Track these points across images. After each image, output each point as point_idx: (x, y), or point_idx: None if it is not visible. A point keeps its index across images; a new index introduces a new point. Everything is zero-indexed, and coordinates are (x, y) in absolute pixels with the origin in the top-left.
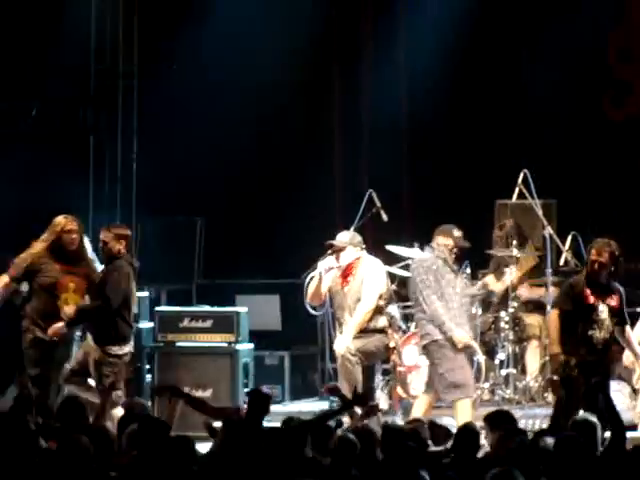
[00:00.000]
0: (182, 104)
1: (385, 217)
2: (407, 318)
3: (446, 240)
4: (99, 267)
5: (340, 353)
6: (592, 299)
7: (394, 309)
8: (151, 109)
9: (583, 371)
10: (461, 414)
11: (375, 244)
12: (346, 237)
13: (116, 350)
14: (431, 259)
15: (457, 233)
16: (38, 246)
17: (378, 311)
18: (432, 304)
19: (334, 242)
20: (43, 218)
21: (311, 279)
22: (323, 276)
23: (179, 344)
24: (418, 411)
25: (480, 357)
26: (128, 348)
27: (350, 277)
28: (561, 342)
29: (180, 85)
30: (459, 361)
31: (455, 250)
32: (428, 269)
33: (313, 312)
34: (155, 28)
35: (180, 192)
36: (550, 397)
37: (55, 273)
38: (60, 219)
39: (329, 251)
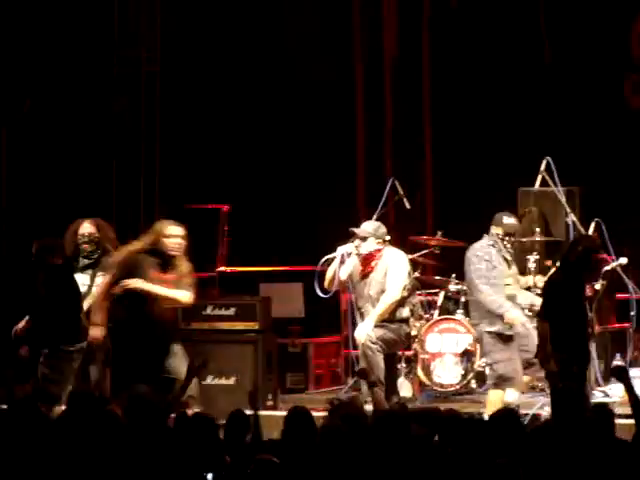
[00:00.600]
0: (206, 90)
1: (408, 205)
2: (430, 305)
3: (496, 229)
4: None
5: (361, 341)
6: None
7: (416, 297)
8: (174, 95)
9: None
10: (492, 404)
11: (397, 232)
12: (370, 227)
13: None
14: (484, 247)
15: (507, 220)
16: (135, 246)
17: (401, 302)
18: (484, 292)
19: (357, 230)
20: (67, 204)
21: (326, 261)
22: (343, 260)
23: (202, 332)
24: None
25: None
26: None
27: (371, 268)
28: None
29: (204, 71)
30: (509, 353)
31: (507, 238)
32: (481, 258)
33: (322, 295)
34: (177, 13)
35: (204, 179)
36: None
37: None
38: (165, 223)
39: (351, 239)
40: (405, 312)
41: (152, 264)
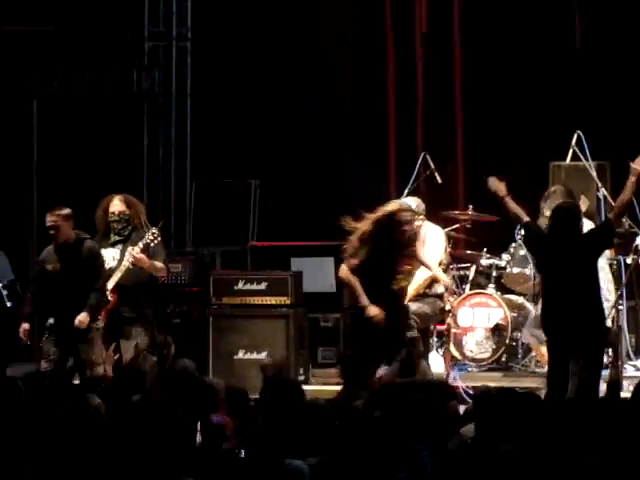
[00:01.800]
0: (236, 66)
1: (439, 179)
2: (462, 280)
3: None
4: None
5: None
6: None
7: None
8: (205, 71)
9: None
10: None
11: (429, 206)
12: (413, 204)
13: None
14: None
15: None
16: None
17: (436, 278)
18: None
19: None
20: (98, 178)
21: None
22: None
23: (234, 307)
24: None
25: None
26: None
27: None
28: None
29: (234, 47)
30: None
31: None
32: None
33: None
34: None
35: (234, 154)
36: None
37: None
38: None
39: None
40: (440, 288)
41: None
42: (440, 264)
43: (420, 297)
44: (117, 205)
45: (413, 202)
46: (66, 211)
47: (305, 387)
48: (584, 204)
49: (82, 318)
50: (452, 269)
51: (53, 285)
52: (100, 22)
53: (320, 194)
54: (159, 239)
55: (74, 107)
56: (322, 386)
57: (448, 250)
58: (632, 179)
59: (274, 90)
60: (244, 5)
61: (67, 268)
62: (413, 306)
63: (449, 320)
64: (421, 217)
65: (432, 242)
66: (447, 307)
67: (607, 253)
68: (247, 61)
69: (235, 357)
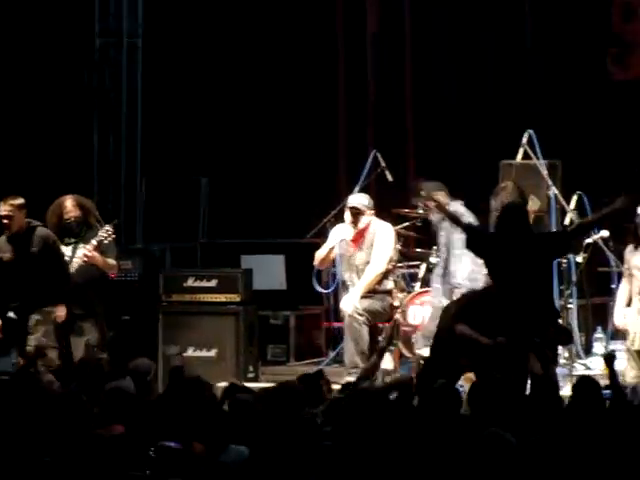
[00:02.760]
0: (187, 63)
1: (390, 177)
2: (412, 278)
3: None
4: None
5: (348, 312)
6: None
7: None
8: (156, 68)
9: None
10: None
11: (379, 204)
12: (365, 200)
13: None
14: None
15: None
16: None
17: (386, 274)
18: None
19: (355, 204)
20: (48, 178)
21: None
22: (336, 245)
23: (184, 304)
24: None
25: None
26: None
27: (360, 240)
28: None
29: (185, 43)
30: None
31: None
32: None
33: (321, 290)
34: None
35: (185, 151)
36: None
37: None
38: None
39: (349, 215)
40: (390, 284)
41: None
42: (390, 261)
43: (371, 294)
44: (71, 210)
45: (365, 199)
46: (20, 201)
47: (255, 384)
48: (535, 204)
49: (60, 312)
50: (402, 267)
51: (8, 275)
52: (50, 19)
53: (270, 192)
54: (113, 236)
55: (24, 104)
56: (271, 383)
57: (398, 248)
58: (614, 207)
59: (225, 87)
60: (195, 1)
61: (21, 257)
62: (364, 303)
63: (397, 316)
64: (370, 213)
65: (382, 239)
66: (396, 303)
67: None
68: (198, 57)
69: (184, 354)
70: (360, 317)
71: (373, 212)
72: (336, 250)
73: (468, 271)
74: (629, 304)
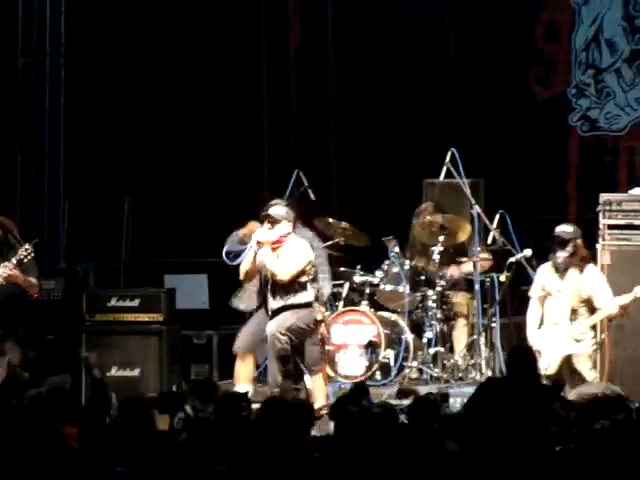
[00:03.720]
0: (109, 82)
1: (313, 196)
2: (335, 297)
3: None
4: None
5: (270, 332)
6: None
7: (326, 285)
8: (78, 88)
9: None
10: None
11: (303, 223)
12: (282, 211)
13: None
14: None
15: None
16: None
17: (303, 286)
18: None
19: (272, 214)
20: None
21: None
22: (256, 250)
23: (107, 323)
24: None
25: (408, 336)
26: None
27: (278, 252)
28: None
29: (107, 63)
30: None
31: None
32: None
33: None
34: (83, 3)
35: (107, 171)
36: (477, 376)
37: None
38: None
39: (266, 222)
40: (307, 296)
41: None
42: (304, 273)
43: (294, 309)
44: None
45: (283, 210)
46: None
47: None
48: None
49: None
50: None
51: None
52: None
53: (193, 211)
54: (32, 255)
55: None
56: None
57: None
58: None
59: (147, 106)
60: (117, 21)
61: None
62: (287, 322)
63: (322, 330)
64: (288, 225)
65: (294, 251)
66: (319, 317)
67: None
68: (120, 76)
69: (108, 374)
70: (282, 337)
71: (291, 224)
72: (258, 257)
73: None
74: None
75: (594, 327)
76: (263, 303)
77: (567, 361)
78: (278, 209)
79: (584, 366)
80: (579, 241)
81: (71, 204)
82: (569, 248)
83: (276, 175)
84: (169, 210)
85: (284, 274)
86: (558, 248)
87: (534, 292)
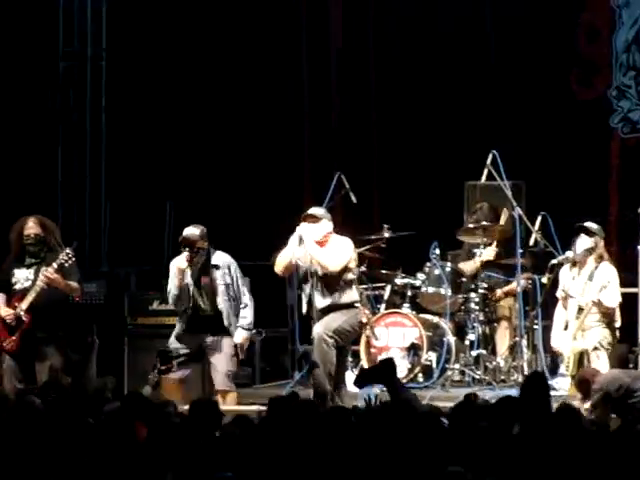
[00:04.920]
0: (151, 85)
1: (354, 199)
2: (377, 299)
3: None
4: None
5: (317, 333)
6: None
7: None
8: (120, 90)
9: None
10: None
11: (344, 226)
12: (321, 211)
13: None
14: None
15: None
16: None
17: (349, 285)
18: None
19: (313, 212)
20: (12, 200)
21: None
22: (298, 244)
23: (149, 327)
24: None
25: (450, 338)
26: None
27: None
28: None
29: (149, 66)
30: None
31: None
32: None
33: None
34: (123, 8)
35: (149, 175)
36: (519, 378)
37: None
38: None
39: (307, 221)
40: (353, 295)
41: None
42: (350, 270)
43: (340, 310)
44: (32, 227)
45: (322, 210)
46: None
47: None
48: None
49: None
50: (367, 288)
51: None
52: (15, 41)
53: (235, 215)
54: (73, 259)
55: None
56: (237, 406)
57: (362, 269)
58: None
59: (190, 109)
60: (158, 23)
61: None
62: (334, 324)
63: (367, 333)
64: (328, 223)
65: (339, 247)
66: (364, 320)
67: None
68: (162, 79)
69: (150, 376)
70: (329, 339)
71: (331, 223)
72: (296, 254)
73: None
74: (566, 328)
75: (607, 322)
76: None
77: (583, 358)
78: (318, 209)
79: (594, 363)
80: (601, 241)
81: (113, 207)
82: (591, 242)
83: (317, 177)
84: (211, 213)
85: (335, 265)
86: (579, 239)
87: (558, 294)
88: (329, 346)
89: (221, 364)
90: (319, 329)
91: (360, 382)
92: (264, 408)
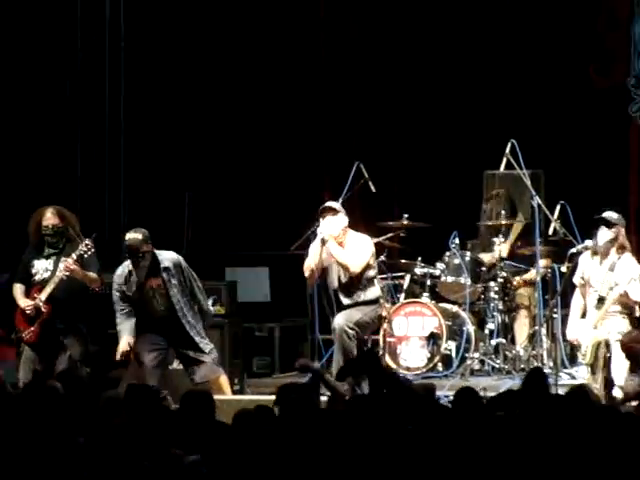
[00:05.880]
0: (170, 77)
1: (373, 188)
2: (397, 289)
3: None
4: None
5: (339, 324)
6: None
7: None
8: (139, 82)
9: None
10: None
11: (363, 215)
12: (337, 204)
13: None
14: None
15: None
16: None
17: (371, 282)
18: None
19: (331, 205)
20: (31, 190)
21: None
22: (320, 245)
23: None
24: None
25: (470, 327)
26: None
27: (343, 244)
28: None
29: (168, 57)
30: None
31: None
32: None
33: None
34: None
35: (168, 166)
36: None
37: None
38: None
39: (327, 215)
40: (375, 292)
41: None
42: (371, 267)
43: (360, 305)
44: (50, 218)
45: (337, 203)
46: None
47: (239, 397)
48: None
49: None
50: (387, 278)
51: None
52: (34, 31)
53: (255, 204)
54: (92, 250)
55: (7, 117)
56: (257, 395)
57: (381, 259)
58: None
59: (209, 100)
60: (178, 14)
61: None
62: (355, 316)
63: (385, 327)
64: (346, 217)
65: (359, 244)
66: (384, 314)
67: None
68: (182, 72)
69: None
70: (350, 331)
71: (346, 218)
72: (323, 254)
73: None
74: (584, 315)
75: (628, 313)
76: (330, 304)
77: (600, 348)
78: (333, 202)
79: (615, 352)
80: (622, 229)
81: (132, 198)
82: (612, 233)
83: (336, 167)
84: (230, 204)
85: (357, 266)
86: (600, 231)
87: (577, 280)
88: (350, 338)
89: (200, 356)
90: (341, 321)
91: (342, 375)
92: None
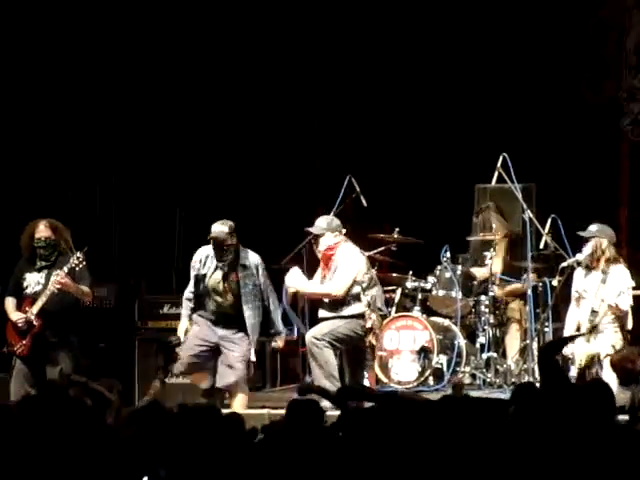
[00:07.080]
0: (160, 92)
1: (365, 202)
2: (388, 303)
3: None
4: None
5: (307, 338)
6: None
7: (375, 291)
8: (128, 98)
9: None
10: None
11: (355, 229)
12: (324, 223)
13: None
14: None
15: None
16: None
17: (356, 298)
18: None
19: (311, 229)
20: (24, 205)
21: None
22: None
23: (160, 331)
24: None
25: (461, 341)
26: None
27: (329, 265)
28: None
29: (156, 70)
30: None
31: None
32: None
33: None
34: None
35: (160, 180)
36: (530, 380)
37: None
38: None
39: (309, 237)
40: (359, 308)
41: None
42: (356, 284)
43: (337, 317)
44: (43, 231)
45: (325, 221)
46: None
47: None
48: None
49: None
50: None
51: None
52: (26, 36)
53: (245, 217)
54: (84, 263)
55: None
56: (248, 410)
57: (373, 271)
58: None
59: (200, 116)
60: (168, 33)
61: None
62: (327, 327)
63: (371, 338)
64: (334, 235)
65: (343, 265)
66: (368, 325)
67: None
68: (170, 84)
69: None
70: (318, 341)
71: (339, 233)
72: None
73: None
74: (578, 329)
75: (620, 325)
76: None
77: (593, 361)
78: (319, 222)
79: (606, 366)
80: (603, 241)
81: (123, 213)
82: (589, 246)
83: (328, 180)
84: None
85: (338, 290)
86: (585, 245)
87: (572, 294)
88: (320, 348)
89: (235, 362)
90: (308, 335)
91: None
92: (274, 412)
